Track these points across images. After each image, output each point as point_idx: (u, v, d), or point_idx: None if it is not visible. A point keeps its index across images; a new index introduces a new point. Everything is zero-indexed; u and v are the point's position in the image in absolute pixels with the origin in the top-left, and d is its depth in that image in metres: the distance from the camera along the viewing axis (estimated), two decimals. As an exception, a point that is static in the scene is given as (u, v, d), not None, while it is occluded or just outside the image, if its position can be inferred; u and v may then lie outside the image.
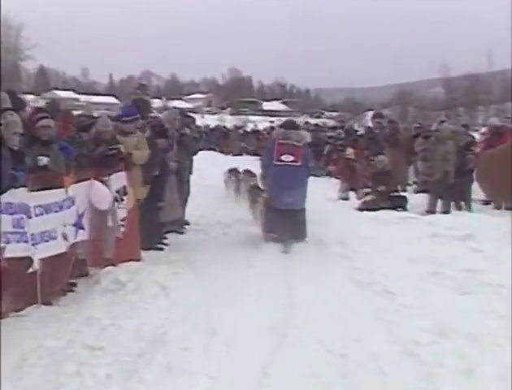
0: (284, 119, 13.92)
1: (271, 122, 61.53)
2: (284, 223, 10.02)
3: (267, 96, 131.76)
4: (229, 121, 70.20)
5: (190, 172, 12.49)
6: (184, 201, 12.10)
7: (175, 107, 14.79)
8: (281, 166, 10.20)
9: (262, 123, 61.34)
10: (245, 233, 11.21)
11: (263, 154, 11.06)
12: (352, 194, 16.51)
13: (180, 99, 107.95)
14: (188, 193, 12.40)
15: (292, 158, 10.22)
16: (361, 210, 13.93)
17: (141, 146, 9.53)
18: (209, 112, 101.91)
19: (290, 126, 10.65)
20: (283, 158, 10.25)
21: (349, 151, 17.79)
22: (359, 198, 15.38)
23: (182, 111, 13.81)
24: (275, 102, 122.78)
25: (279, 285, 7.90)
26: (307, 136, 11.07)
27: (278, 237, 10.03)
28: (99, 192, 8.08)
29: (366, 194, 14.85)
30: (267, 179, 10.51)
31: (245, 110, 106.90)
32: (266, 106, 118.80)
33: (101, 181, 8.22)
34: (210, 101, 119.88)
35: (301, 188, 10.26)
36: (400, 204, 14.04)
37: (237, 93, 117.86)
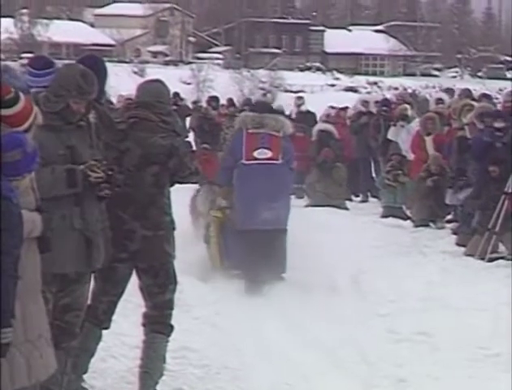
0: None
1: (357, 92, 28.14)
2: (258, 252, 7.15)
3: (338, 17, 53.66)
4: (224, 85, 29.84)
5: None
6: None
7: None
8: (254, 165, 7.50)
9: (325, 92, 26.23)
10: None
11: (224, 152, 8.53)
12: None
13: (79, 20, 51.93)
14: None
15: (269, 154, 7.49)
16: None
17: None
18: (168, 62, 46.10)
19: (265, 108, 7.94)
20: (256, 154, 7.50)
21: None
22: None
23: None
24: (360, 32, 51.98)
25: None
26: (289, 125, 7.82)
27: (248, 275, 7.20)
28: None
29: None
30: (230, 187, 7.50)
31: (272, 52, 46.82)
32: (333, 44, 49.50)
33: None
34: (164, 23, 53.47)
35: (285, 198, 7.63)
36: None
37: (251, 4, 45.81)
